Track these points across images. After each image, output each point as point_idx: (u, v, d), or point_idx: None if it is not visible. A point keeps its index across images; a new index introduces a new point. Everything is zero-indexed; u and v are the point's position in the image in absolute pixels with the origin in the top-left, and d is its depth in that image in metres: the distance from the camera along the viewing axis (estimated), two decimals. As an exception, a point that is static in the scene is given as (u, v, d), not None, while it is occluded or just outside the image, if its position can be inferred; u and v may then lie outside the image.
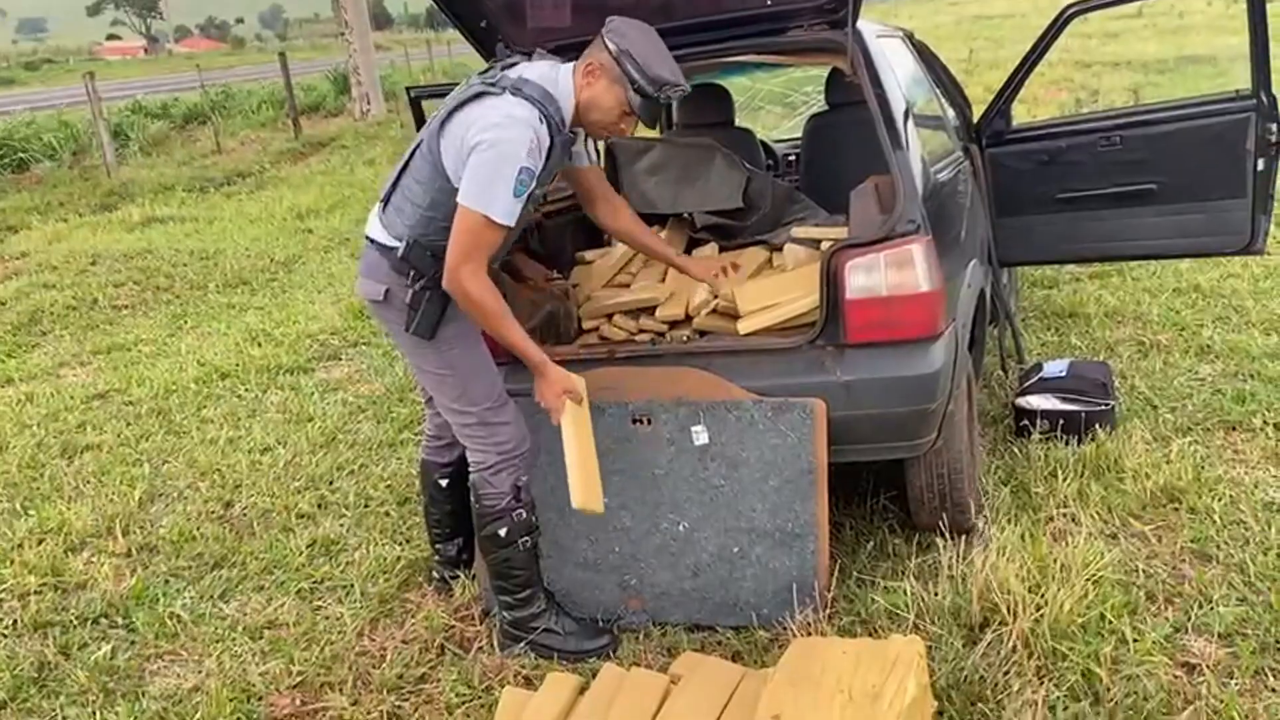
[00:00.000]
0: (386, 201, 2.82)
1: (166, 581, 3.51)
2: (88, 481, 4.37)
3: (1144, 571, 2.96)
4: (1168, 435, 3.79)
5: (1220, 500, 3.30)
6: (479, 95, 2.63)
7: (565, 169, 3.05)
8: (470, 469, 2.90)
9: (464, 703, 2.72)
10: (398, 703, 2.76)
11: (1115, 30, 22.52)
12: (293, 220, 10.11)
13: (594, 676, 2.65)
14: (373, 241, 2.82)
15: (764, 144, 5.23)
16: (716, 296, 3.25)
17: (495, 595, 2.95)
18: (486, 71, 2.74)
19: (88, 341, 6.58)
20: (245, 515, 3.95)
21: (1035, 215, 4.49)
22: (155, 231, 9.86)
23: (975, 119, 4.57)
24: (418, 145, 2.75)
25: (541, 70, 2.69)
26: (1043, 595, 2.63)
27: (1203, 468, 3.51)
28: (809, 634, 2.76)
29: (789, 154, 5.44)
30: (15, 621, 3.29)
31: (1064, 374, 3.93)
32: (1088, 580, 2.73)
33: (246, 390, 5.42)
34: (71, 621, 3.27)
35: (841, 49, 3.03)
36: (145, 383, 5.59)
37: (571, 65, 2.72)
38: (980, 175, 4.40)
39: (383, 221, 2.81)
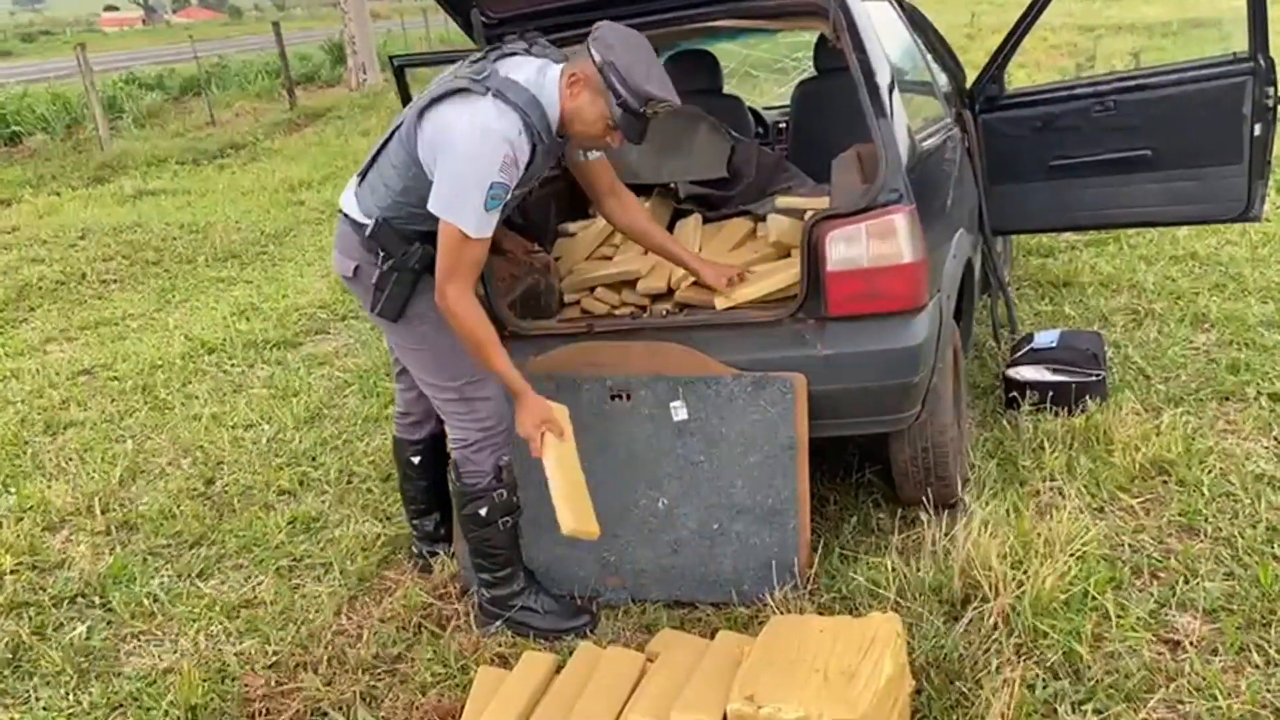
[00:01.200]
0: (363, 177, 2.76)
1: (145, 560, 3.47)
2: (70, 459, 4.33)
3: (1130, 546, 2.91)
4: (1159, 406, 3.73)
5: (1210, 472, 3.25)
6: (462, 91, 2.53)
7: (575, 163, 2.99)
8: (451, 446, 2.85)
9: (439, 682, 2.69)
10: (372, 683, 2.72)
11: (1119, -7, 22.22)
12: (284, 192, 10.03)
13: (571, 655, 2.62)
14: (346, 216, 2.77)
15: (754, 111, 5.14)
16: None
17: (474, 573, 2.92)
18: (478, 61, 2.63)
19: (75, 317, 6.53)
20: (226, 492, 3.91)
21: (1028, 183, 4.41)
22: (146, 204, 9.79)
23: (969, 84, 4.48)
24: (397, 127, 2.68)
25: (528, 73, 2.57)
26: (1025, 571, 2.58)
27: (1193, 439, 3.46)
28: (789, 611, 2.73)
29: (780, 121, 5.34)
30: (-9, 602, 3.27)
31: (1054, 344, 3.87)
32: (1071, 556, 2.69)
33: (233, 365, 5.38)
34: (47, 601, 3.24)
35: (823, 12, 2.94)
36: (131, 358, 5.54)
37: (560, 68, 2.61)
38: (973, 142, 4.32)
39: (357, 197, 2.75)
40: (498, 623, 2.86)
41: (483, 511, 2.79)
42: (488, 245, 2.57)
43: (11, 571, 3.40)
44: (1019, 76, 11.58)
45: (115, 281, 7.28)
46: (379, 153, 2.73)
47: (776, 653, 2.36)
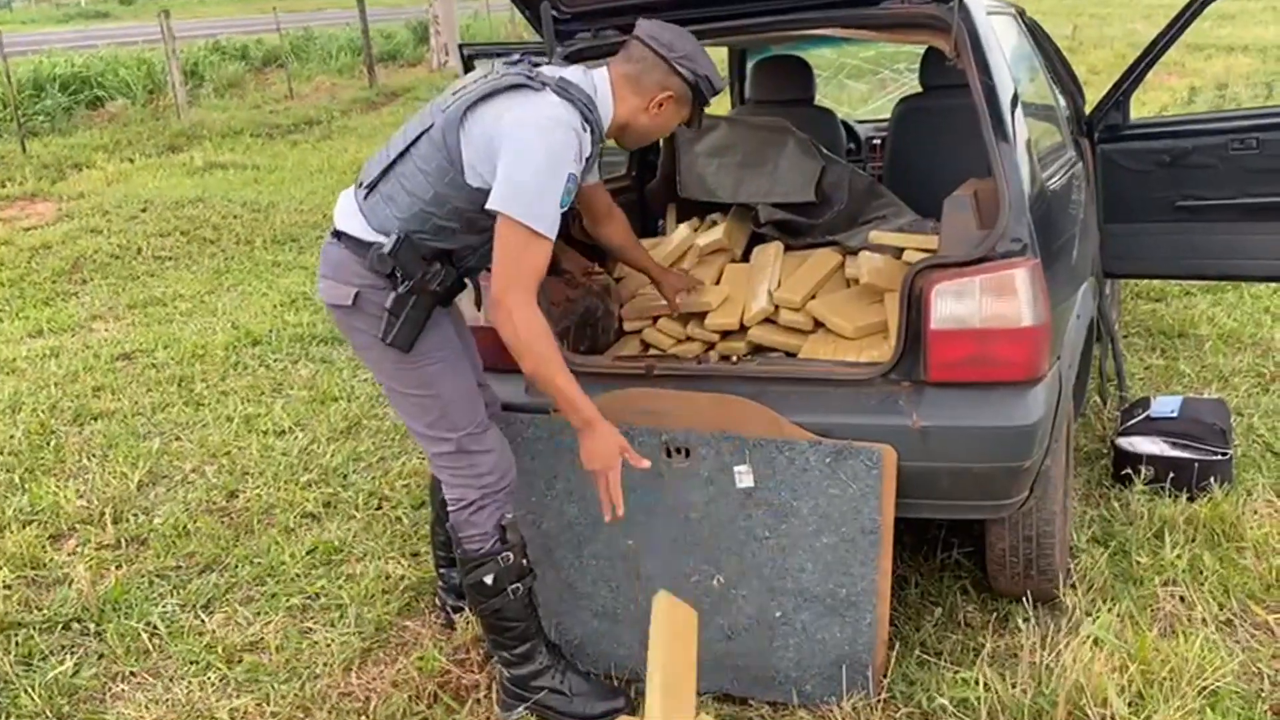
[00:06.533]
0: (372, 188, 2.37)
1: (150, 583, 3.19)
2: (92, 455, 4.08)
3: (1269, 677, 2.46)
4: (1296, 495, 3.25)
5: (1362, 586, 2.78)
6: (516, 88, 2.24)
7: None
8: (449, 508, 2.49)
9: (447, 775, 2.35)
10: (372, 767, 2.40)
11: (1231, 11, 21.17)
12: (352, 174, 9.73)
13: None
14: (342, 236, 2.37)
15: (845, 124, 4.72)
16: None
17: (492, 650, 2.56)
18: (517, 64, 2.33)
19: (125, 294, 6.34)
20: (247, 509, 3.61)
21: (1150, 223, 3.97)
22: (214, 178, 9.63)
23: (1089, 109, 4.02)
24: (425, 129, 2.33)
25: (575, 75, 2.35)
26: (1147, 716, 2.15)
27: (1339, 541, 2.98)
28: (857, 726, 2.34)
29: (874, 137, 4.91)
30: (-18, 620, 3.00)
31: (1175, 414, 3.40)
32: (1201, 692, 2.25)
33: (275, 360, 5.11)
34: (39, 624, 2.97)
35: (945, 27, 2.54)
36: (173, 344, 5.31)
37: (604, 73, 2.38)
38: (1091, 174, 3.87)
39: (363, 211, 2.36)
40: (521, 707, 2.50)
41: (488, 579, 2.43)
42: (550, 250, 2.24)
43: (7, 586, 3.14)
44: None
45: (170, 259, 7.08)
46: (397, 160, 2.35)
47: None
